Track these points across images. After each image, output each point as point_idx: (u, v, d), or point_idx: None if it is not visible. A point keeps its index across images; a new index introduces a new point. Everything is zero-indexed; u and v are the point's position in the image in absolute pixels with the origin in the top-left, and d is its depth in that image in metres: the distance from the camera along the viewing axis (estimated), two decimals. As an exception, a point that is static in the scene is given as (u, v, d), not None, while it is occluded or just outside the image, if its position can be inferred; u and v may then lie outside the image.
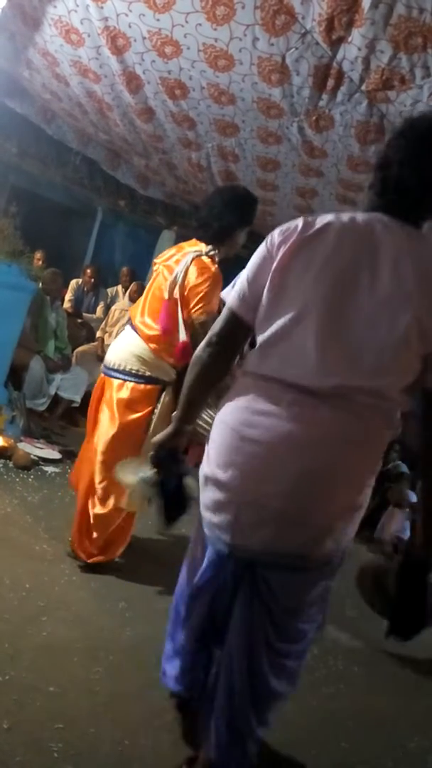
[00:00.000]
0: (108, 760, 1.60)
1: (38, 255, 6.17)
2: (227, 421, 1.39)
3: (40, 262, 6.07)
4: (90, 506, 2.64)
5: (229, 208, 2.57)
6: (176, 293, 2.55)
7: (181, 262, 2.56)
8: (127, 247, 7.97)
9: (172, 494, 1.52)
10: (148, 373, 2.60)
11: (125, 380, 2.62)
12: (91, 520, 2.63)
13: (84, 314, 6.42)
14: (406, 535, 4.91)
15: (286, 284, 1.34)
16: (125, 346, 2.66)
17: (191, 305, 2.53)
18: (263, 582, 1.39)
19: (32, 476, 3.59)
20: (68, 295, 6.40)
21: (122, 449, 2.50)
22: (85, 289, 6.57)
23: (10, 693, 1.72)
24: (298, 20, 2.18)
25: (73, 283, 6.53)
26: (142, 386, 2.60)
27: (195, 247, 2.62)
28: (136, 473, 1.62)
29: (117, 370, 2.64)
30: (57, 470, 3.83)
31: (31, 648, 1.95)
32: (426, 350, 1.27)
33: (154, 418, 2.61)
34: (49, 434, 4.53)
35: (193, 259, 2.54)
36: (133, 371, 2.60)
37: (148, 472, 1.57)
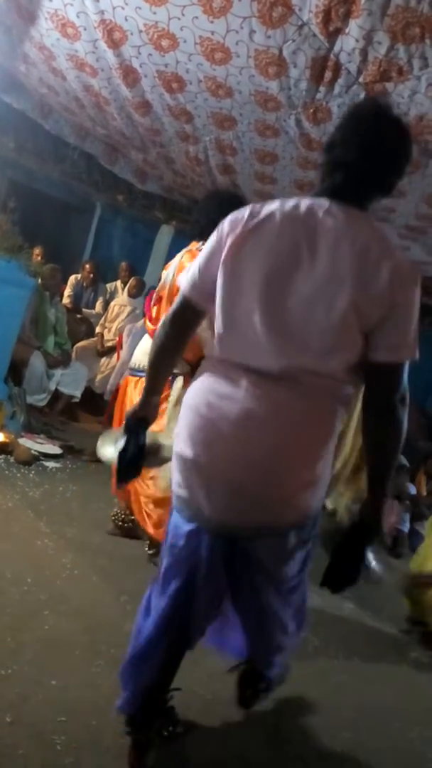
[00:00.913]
0: (110, 753, 1.61)
1: (37, 251, 6.16)
2: (190, 402, 1.47)
3: (39, 258, 6.07)
4: (140, 491, 2.81)
5: (213, 205, 2.74)
6: (168, 288, 2.72)
7: (174, 259, 2.78)
8: (126, 242, 7.95)
9: (131, 457, 1.60)
10: None
11: (141, 376, 2.87)
12: (145, 504, 2.81)
13: (83, 310, 6.42)
14: (405, 527, 4.92)
15: (235, 272, 1.40)
16: (142, 347, 2.98)
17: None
18: (244, 553, 1.47)
19: (33, 471, 3.60)
20: (67, 291, 6.39)
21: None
22: (84, 284, 6.56)
23: (12, 686, 1.73)
24: (295, 12, 2.16)
25: (72, 278, 6.52)
26: None
27: (190, 247, 2.81)
28: (114, 444, 1.69)
29: (136, 369, 2.96)
30: (58, 465, 3.84)
31: (33, 642, 1.96)
32: (366, 328, 1.33)
33: (169, 403, 2.79)
34: (50, 429, 4.54)
35: (185, 253, 2.75)
36: (145, 368, 2.77)
37: (118, 443, 1.65)
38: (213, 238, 1.46)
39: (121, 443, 1.62)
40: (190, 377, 2.73)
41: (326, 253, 1.33)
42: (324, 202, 1.38)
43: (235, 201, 2.76)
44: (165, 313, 2.72)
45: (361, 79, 2.42)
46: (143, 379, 2.76)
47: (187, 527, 1.47)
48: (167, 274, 2.78)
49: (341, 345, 1.33)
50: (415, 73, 2.26)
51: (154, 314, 2.87)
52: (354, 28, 2.13)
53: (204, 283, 1.47)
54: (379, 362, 1.35)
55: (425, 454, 5.99)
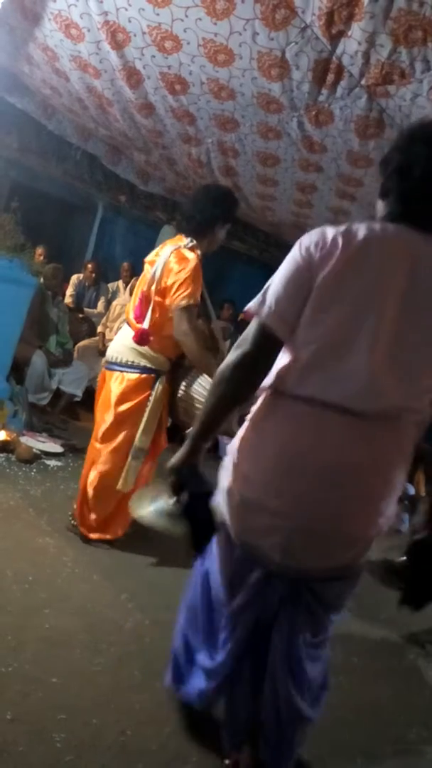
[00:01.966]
0: (110, 751, 1.62)
1: (39, 250, 6.16)
2: (271, 448, 1.36)
3: (42, 258, 6.07)
4: (89, 485, 2.83)
5: (212, 202, 2.75)
6: (155, 286, 2.70)
7: (161, 256, 2.73)
8: (128, 242, 7.96)
9: (201, 518, 1.42)
10: (142, 364, 2.78)
11: (122, 371, 2.81)
12: (90, 498, 2.82)
13: (85, 309, 6.43)
14: (404, 528, 4.92)
15: (332, 302, 1.29)
16: (121, 340, 2.85)
17: (172, 292, 2.65)
18: (308, 592, 1.43)
19: (35, 470, 3.61)
20: (69, 290, 6.41)
21: (119, 434, 2.80)
22: (86, 284, 6.57)
23: (13, 684, 1.74)
24: (298, 14, 2.18)
25: (74, 278, 6.54)
26: (136, 376, 2.79)
27: (177, 242, 2.78)
28: (154, 505, 1.55)
29: (115, 363, 2.85)
30: (59, 464, 3.85)
31: (33, 640, 1.97)
32: None
33: (149, 405, 2.79)
34: (51, 428, 4.55)
35: (172, 252, 2.71)
36: (128, 362, 2.80)
37: (167, 502, 1.49)
38: (295, 262, 1.32)
39: (170, 504, 1.45)
40: (170, 375, 2.82)
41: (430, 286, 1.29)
42: (413, 232, 1.31)
43: (230, 197, 2.82)
44: (154, 314, 2.77)
45: (363, 82, 2.43)
46: (122, 373, 2.80)
47: (258, 574, 1.43)
48: (153, 271, 2.72)
49: None
50: (417, 76, 2.27)
51: (148, 315, 2.76)
52: (356, 30, 2.14)
53: (291, 314, 1.31)
54: None
55: (423, 454, 5.99)
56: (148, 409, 2.77)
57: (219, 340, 2.92)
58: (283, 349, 1.35)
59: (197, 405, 2.70)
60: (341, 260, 1.28)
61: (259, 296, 1.34)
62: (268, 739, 1.52)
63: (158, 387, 2.79)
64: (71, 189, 6.63)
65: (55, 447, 4.04)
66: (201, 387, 2.75)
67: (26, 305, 4.27)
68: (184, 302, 2.62)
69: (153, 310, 2.73)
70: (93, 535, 2.84)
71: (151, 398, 2.78)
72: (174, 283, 2.65)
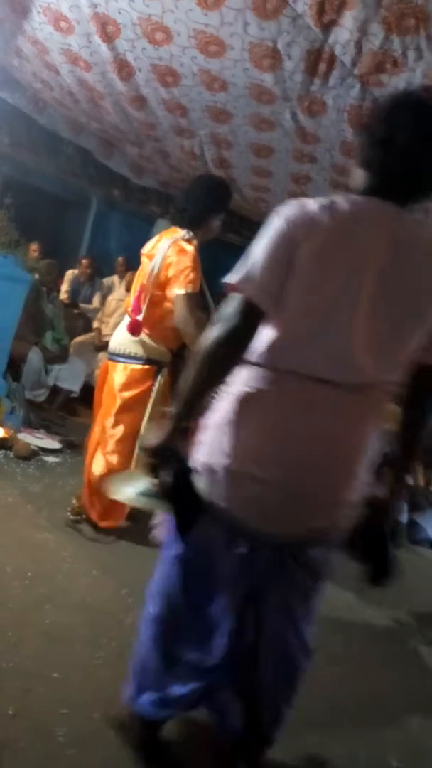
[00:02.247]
0: (112, 745, 1.62)
1: (33, 246, 6.14)
2: (257, 420, 1.36)
3: (36, 254, 6.05)
4: (96, 474, 2.87)
5: (205, 193, 2.77)
6: (153, 280, 2.73)
7: (158, 249, 2.76)
8: (123, 236, 7.94)
9: (186, 498, 1.38)
10: (144, 355, 2.84)
11: (125, 363, 2.86)
12: (95, 485, 2.86)
13: (81, 305, 6.42)
14: (404, 518, 4.93)
15: (317, 278, 1.29)
16: (123, 332, 2.89)
17: (172, 282, 2.68)
18: (292, 559, 1.44)
19: (33, 466, 3.61)
20: (64, 286, 6.39)
21: (125, 421, 2.85)
22: (82, 279, 6.55)
23: (14, 680, 1.74)
24: (290, 4, 2.16)
25: (69, 273, 6.51)
26: (139, 367, 2.84)
27: (173, 234, 2.80)
28: (133, 487, 1.54)
29: (117, 354, 2.90)
30: (57, 460, 3.85)
31: (34, 635, 1.97)
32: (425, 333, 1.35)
33: (153, 395, 2.83)
34: (49, 425, 4.54)
35: (170, 245, 2.73)
36: (131, 354, 2.85)
37: (145, 483, 1.47)
38: (278, 235, 1.30)
39: (148, 485, 1.42)
40: (172, 367, 2.84)
41: (413, 262, 1.31)
42: (392, 206, 1.32)
43: (222, 187, 2.84)
44: (152, 308, 2.80)
45: (356, 71, 2.42)
46: (125, 363, 2.84)
47: (245, 546, 1.42)
48: (152, 265, 2.74)
49: (412, 353, 1.37)
50: (410, 65, 2.26)
51: (145, 307, 2.80)
52: (348, 19, 2.13)
53: (275, 287, 1.29)
54: (428, 365, 1.40)
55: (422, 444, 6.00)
56: (152, 400, 2.81)
57: None
58: (266, 323, 1.33)
59: None
60: (325, 236, 1.28)
61: (240, 269, 1.32)
62: (271, 701, 1.54)
63: (160, 378, 2.83)
64: (64, 184, 6.61)
65: (52, 443, 4.03)
66: None
67: (21, 302, 4.26)
68: (183, 290, 2.65)
69: (150, 303, 2.77)
70: (103, 523, 2.89)
71: (155, 389, 2.82)
72: (174, 272, 2.68)
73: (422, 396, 1.47)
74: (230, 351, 1.32)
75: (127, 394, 2.84)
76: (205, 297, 2.94)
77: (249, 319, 1.30)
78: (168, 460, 1.37)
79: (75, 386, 5.05)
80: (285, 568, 1.45)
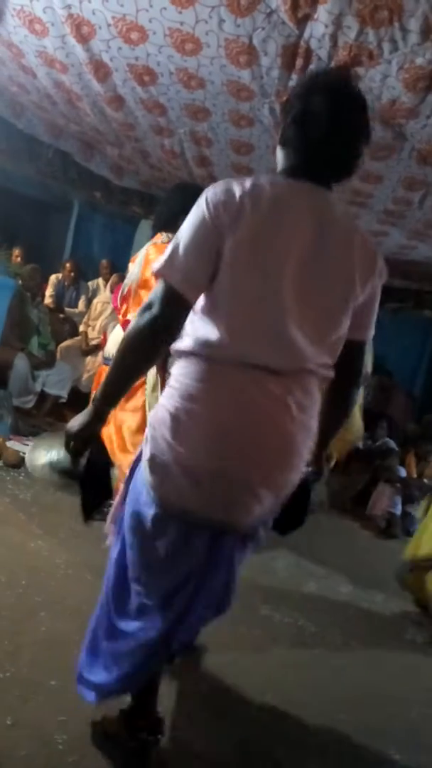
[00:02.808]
0: (112, 750, 1.61)
1: (16, 251, 6.11)
2: (203, 413, 1.35)
3: (19, 259, 6.02)
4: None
5: (179, 196, 2.80)
6: (137, 281, 2.77)
7: (140, 252, 2.85)
8: (106, 238, 7.91)
9: (97, 483, 1.43)
10: None
11: None
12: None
13: (66, 309, 6.38)
14: (398, 510, 4.96)
15: (247, 266, 1.29)
16: (114, 336, 2.98)
17: (152, 280, 2.68)
18: (251, 540, 1.49)
19: (23, 474, 3.57)
20: (49, 291, 6.35)
21: (127, 421, 2.76)
22: (66, 283, 6.52)
23: (11, 689, 1.73)
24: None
25: (53, 278, 6.48)
26: None
27: (156, 240, 2.87)
28: (46, 454, 1.57)
29: (109, 359, 2.91)
30: (47, 466, 3.82)
31: (30, 643, 1.96)
32: (352, 311, 1.40)
33: (147, 390, 2.81)
34: (38, 431, 4.51)
35: (151, 245, 2.81)
36: None
37: (59, 453, 1.49)
38: (200, 224, 1.29)
39: (61, 456, 1.46)
40: (162, 364, 2.75)
41: (338, 244, 1.34)
42: (315, 186, 1.35)
43: (197, 192, 2.86)
44: (134, 308, 2.82)
45: (332, 65, 2.41)
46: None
47: (182, 529, 1.41)
48: (134, 267, 2.82)
49: (343, 335, 1.41)
50: (386, 57, 2.26)
51: (123, 309, 2.89)
52: (323, 13, 2.12)
53: (200, 275, 1.30)
54: (356, 341, 1.45)
55: (413, 436, 6.04)
56: (147, 395, 2.80)
57: None
58: (201, 314, 1.34)
59: None
60: (251, 224, 1.28)
61: (166, 256, 1.31)
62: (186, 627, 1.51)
63: (150, 373, 2.81)
64: (45, 188, 6.57)
65: (42, 449, 4.01)
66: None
67: (5, 308, 4.23)
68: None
69: (136, 304, 2.79)
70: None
71: (147, 384, 2.82)
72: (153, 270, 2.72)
73: (346, 373, 1.49)
74: (151, 339, 1.32)
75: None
76: None
77: (172, 308, 1.30)
78: (85, 445, 1.39)
79: (63, 391, 5.02)
80: (243, 550, 1.48)
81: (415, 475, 5.50)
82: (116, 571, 1.55)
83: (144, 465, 1.43)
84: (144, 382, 2.84)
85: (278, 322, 1.30)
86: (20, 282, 4.84)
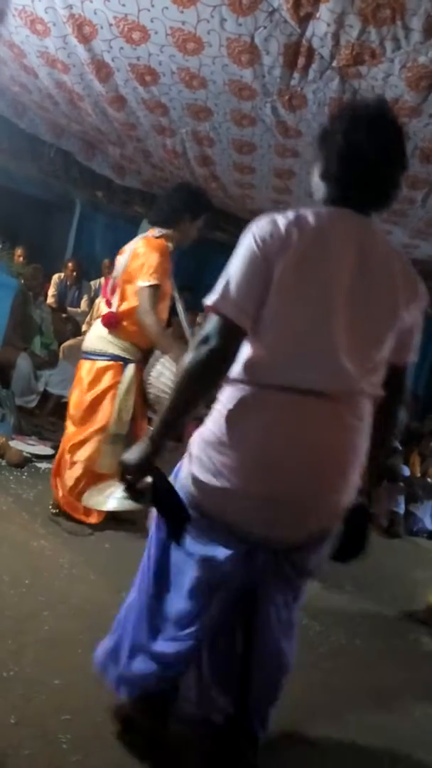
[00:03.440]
0: (116, 749, 1.61)
1: (18, 251, 6.11)
2: (251, 438, 1.37)
3: (21, 259, 6.02)
4: (70, 473, 2.95)
5: (178, 194, 2.90)
6: (122, 273, 2.82)
7: (130, 244, 2.88)
8: (108, 238, 7.90)
9: (172, 507, 1.43)
10: (110, 351, 2.91)
11: (93, 359, 2.95)
12: (69, 483, 2.94)
13: (68, 308, 6.39)
14: (401, 509, 4.96)
15: (295, 294, 1.33)
16: (94, 330, 3.01)
17: (139, 274, 2.76)
18: (287, 561, 1.47)
19: (26, 473, 3.59)
20: (51, 290, 6.35)
21: (92, 419, 2.91)
22: (68, 283, 6.52)
23: (15, 688, 1.73)
24: (265, -2, 2.15)
25: (55, 277, 6.48)
26: (105, 363, 2.91)
27: (148, 234, 2.92)
28: (108, 494, 1.59)
29: (88, 352, 2.99)
30: (50, 466, 3.81)
31: (34, 643, 1.96)
32: (397, 334, 1.42)
33: (119, 391, 2.89)
34: (41, 431, 4.52)
35: (140, 239, 2.85)
36: (99, 351, 2.94)
37: (119, 489, 1.48)
38: (250, 254, 1.33)
39: (117, 491, 1.46)
40: (142, 366, 2.89)
41: (381, 269, 1.37)
42: (357, 216, 1.39)
43: (201, 198, 2.94)
44: (118, 302, 2.82)
45: (334, 64, 2.42)
46: (95, 361, 2.91)
47: (237, 551, 1.43)
48: (121, 259, 2.85)
49: (386, 355, 1.42)
50: (388, 56, 2.26)
51: (116, 302, 2.90)
52: (324, 12, 2.12)
53: (252, 306, 1.32)
54: (401, 364, 1.49)
55: (417, 435, 6.03)
56: (118, 397, 2.87)
57: (187, 337, 2.98)
58: (249, 341, 1.37)
59: (156, 393, 2.83)
60: (298, 253, 1.32)
61: (218, 290, 1.34)
62: (257, 696, 1.54)
63: (127, 374, 2.88)
64: (47, 187, 6.57)
65: (45, 449, 4.01)
66: (156, 372, 2.83)
67: (8, 308, 4.24)
68: (146, 282, 2.73)
69: (120, 296, 2.85)
70: (77, 515, 2.94)
71: (121, 385, 2.87)
72: (140, 265, 2.76)
73: (391, 396, 1.50)
74: (211, 371, 1.35)
75: (93, 393, 2.90)
76: (175, 300, 3.04)
77: (228, 339, 1.33)
78: (143, 476, 1.40)
79: (65, 391, 5.00)
80: (280, 573, 1.47)
81: (418, 474, 5.50)
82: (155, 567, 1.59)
83: (186, 476, 1.47)
84: (116, 385, 2.88)
85: (326, 346, 1.33)
86: (23, 282, 4.85)
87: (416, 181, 3.33)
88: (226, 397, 1.41)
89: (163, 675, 1.53)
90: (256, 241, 1.33)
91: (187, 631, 1.49)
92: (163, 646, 1.52)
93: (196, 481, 1.44)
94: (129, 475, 1.42)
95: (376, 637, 2.77)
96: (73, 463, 2.93)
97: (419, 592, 3.48)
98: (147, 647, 1.54)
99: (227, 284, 1.34)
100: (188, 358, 1.34)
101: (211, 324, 1.34)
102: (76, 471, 2.92)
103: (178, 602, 1.52)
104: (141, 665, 1.55)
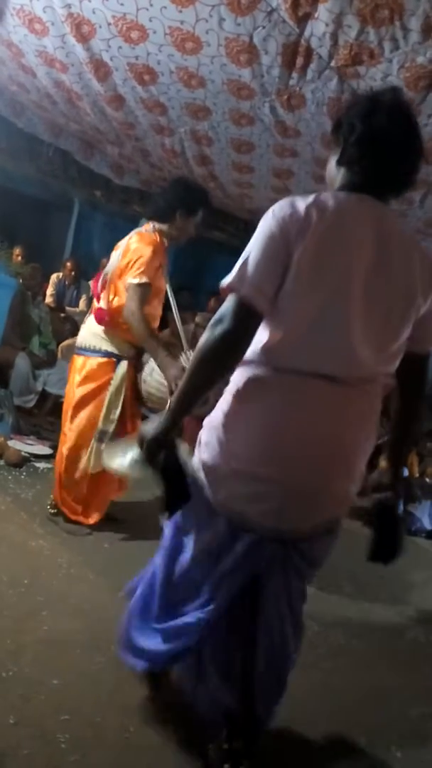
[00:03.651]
0: (115, 748, 1.62)
1: (17, 251, 6.10)
2: (261, 420, 1.38)
3: (19, 258, 6.02)
4: (62, 469, 2.94)
5: (174, 188, 2.88)
6: (115, 268, 2.80)
7: (123, 239, 2.88)
8: (106, 237, 7.88)
9: (177, 482, 1.43)
10: (103, 348, 2.89)
11: (85, 355, 2.92)
12: (63, 479, 2.93)
13: (67, 308, 6.38)
14: (399, 509, 4.95)
15: (313, 277, 1.31)
16: (87, 326, 2.98)
17: (129, 269, 2.74)
18: (295, 550, 1.47)
19: (24, 473, 3.58)
20: (50, 290, 6.35)
21: (82, 416, 2.90)
22: (67, 282, 6.51)
23: (14, 688, 1.73)
24: (264, -2, 2.15)
25: (53, 277, 6.47)
26: (98, 359, 2.89)
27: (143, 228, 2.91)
28: (124, 455, 1.59)
29: (80, 348, 2.97)
30: (49, 466, 3.82)
31: (32, 643, 1.96)
32: (415, 323, 1.41)
33: (110, 388, 2.87)
34: (39, 430, 4.52)
35: (134, 233, 2.85)
36: (91, 347, 2.92)
37: (137, 452, 1.49)
38: (268, 236, 1.32)
39: (136, 452, 1.46)
40: (134, 362, 2.88)
41: (399, 255, 1.36)
42: (376, 202, 1.38)
43: (196, 193, 2.92)
44: (109, 297, 2.80)
45: (333, 64, 2.42)
46: (88, 357, 2.90)
47: (247, 540, 1.44)
48: (115, 254, 2.84)
49: (403, 347, 1.42)
50: (387, 56, 2.26)
51: (108, 298, 2.87)
52: (323, 12, 2.12)
53: (270, 288, 1.31)
54: (420, 353, 1.47)
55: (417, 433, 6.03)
56: (109, 393, 2.84)
57: (182, 338, 2.96)
58: (264, 323, 1.35)
59: (148, 389, 2.82)
60: (317, 235, 1.30)
61: (236, 271, 1.32)
62: (261, 687, 1.55)
63: (119, 370, 2.86)
64: (46, 187, 6.56)
65: (43, 449, 4.01)
66: (149, 368, 2.82)
67: (6, 307, 4.24)
68: (135, 280, 2.70)
69: (113, 292, 2.83)
70: (74, 517, 2.93)
71: (113, 381, 2.86)
72: (129, 261, 2.74)
73: (412, 385, 1.51)
74: (224, 353, 1.33)
75: (84, 389, 2.89)
76: (169, 300, 3.02)
77: (245, 320, 1.31)
78: (159, 449, 1.41)
79: (63, 390, 5.02)
80: (288, 563, 1.47)
81: (416, 474, 5.50)
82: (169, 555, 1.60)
83: (197, 466, 1.48)
84: (108, 382, 2.86)
85: (340, 331, 1.32)
86: (21, 281, 4.85)
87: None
88: (237, 377, 1.42)
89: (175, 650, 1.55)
90: (275, 223, 1.32)
91: (199, 612, 1.51)
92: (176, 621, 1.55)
93: (205, 466, 1.45)
94: (145, 447, 1.41)
95: (374, 636, 2.77)
96: (70, 465, 2.92)
97: (417, 592, 3.48)
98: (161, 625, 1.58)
99: (245, 265, 1.31)
100: (202, 339, 1.33)
101: (226, 305, 1.32)
102: (74, 474, 2.91)
103: (189, 587, 1.55)
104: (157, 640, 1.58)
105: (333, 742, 1.92)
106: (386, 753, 1.95)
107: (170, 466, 1.41)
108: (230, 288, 1.32)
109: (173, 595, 1.58)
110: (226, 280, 1.32)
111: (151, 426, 1.41)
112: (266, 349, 1.36)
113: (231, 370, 1.41)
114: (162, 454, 1.40)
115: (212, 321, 1.33)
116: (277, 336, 1.34)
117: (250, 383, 1.39)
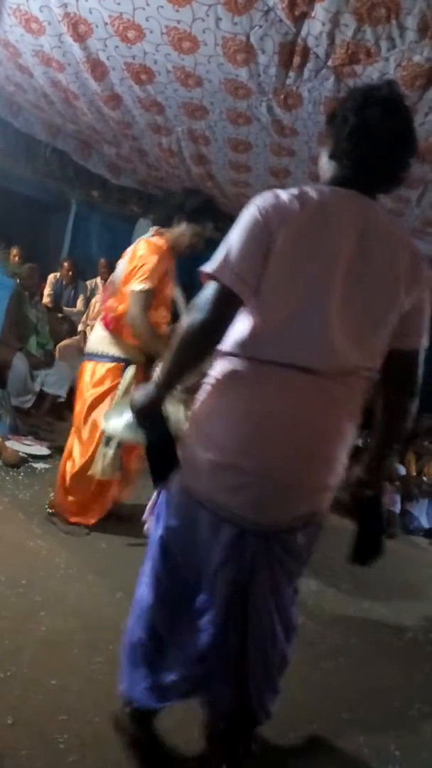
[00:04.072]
0: (114, 748, 1.61)
1: (14, 251, 6.11)
2: (239, 410, 1.38)
3: (17, 258, 6.02)
4: (68, 469, 2.95)
5: (178, 196, 2.92)
6: (122, 275, 2.83)
7: (131, 247, 2.90)
8: (104, 237, 7.91)
9: (164, 453, 1.44)
10: (112, 353, 2.91)
11: (95, 361, 2.95)
12: (67, 483, 2.93)
13: (64, 308, 6.38)
14: (397, 508, 4.97)
15: (292, 269, 1.31)
16: (95, 332, 3.02)
17: (133, 276, 2.76)
18: (278, 544, 1.45)
19: (22, 474, 3.58)
20: (47, 290, 6.35)
21: (90, 421, 2.91)
22: (64, 282, 6.52)
23: (12, 689, 1.73)
24: (260, -3, 2.15)
25: (51, 277, 6.47)
26: (106, 364, 2.92)
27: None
28: (121, 418, 1.61)
29: (90, 354, 2.99)
30: (47, 466, 3.82)
31: (31, 643, 1.96)
32: (398, 320, 1.39)
33: (118, 392, 2.89)
34: (37, 431, 4.51)
35: (141, 240, 2.86)
36: (101, 352, 2.94)
37: (132, 417, 1.50)
38: (254, 224, 1.31)
39: (129, 417, 1.47)
40: (143, 367, 2.88)
41: (382, 250, 1.35)
42: (362, 197, 1.37)
43: (203, 201, 2.94)
44: (115, 304, 2.81)
45: (329, 63, 2.41)
46: (97, 363, 2.92)
47: (230, 533, 1.42)
48: (122, 262, 2.87)
49: (387, 340, 1.40)
50: (383, 55, 2.26)
51: (115, 304, 2.89)
52: (320, 11, 2.12)
53: (251, 276, 1.30)
54: (406, 350, 1.43)
55: (412, 434, 6.04)
56: (117, 398, 2.85)
57: None
58: (243, 313, 1.35)
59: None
60: (299, 225, 1.30)
61: (217, 257, 1.32)
62: (256, 686, 1.52)
63: (127, 375, 2.87)
64: (43, 187, 6.57)
65: (41, 449, 4.01)
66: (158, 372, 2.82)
67: (3, 308, 4.23)
68: (139, 286, 2.72)
69: (120, 299, 2.84)
70: (72, 519, 2.94)
71: (120, 385, 2.87)
72: (134, 267, 2.76)
73: (396, 382, 1.48)
74: (203, 340, 1.34)
75: (93, 394, 2.90)
76: (177, 303, 3.02)
77: (224, 308, 1.31)
78: (147, 419, 1.43)
79: (61, 391, 5.02)
80: (271, 555, 1.45)
81: (414, 474, 5.51)
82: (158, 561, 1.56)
83: (181, 458, 1.47)
84: (116, 386, 2.87)
85: (318, 323, 1.31)
86: (18, 281, 4.84)
87: (412, 180, 3.33)
88: (217, 369, 1.42)
89: (194, 673, 1.50)
90: (258, 212, 1.32)
91: (205, 619, 1.48)
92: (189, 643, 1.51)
93: (187, 458, 1.44)
94: (134, 413, 1.43)
95: (372, 635, 2.78)
96: (81, 469, 2.91)
97: (416, 590, 3.49)
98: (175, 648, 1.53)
99: (228, 253, 1.31)
100: (183, 322, 1.34)
101: (207, 291, 1.31)
102: (83, 477, 2.91)
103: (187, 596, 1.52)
104: (168, 672, 1.52)
105: (332, 741, 1.92)
106: (385, 751, 1.95)
107: (156, 436, 1.43)
108: (212, 275, 1.31)
109: (165, 619, 1.53)
110: (208, 266, 1.32)
111: (140, 394, 1.44)
112: (245, 340, 1.35)
113: (208, 356, 1.42)
114: (148, 424, 1.42)
115: (192, 306, 1.33)
116: (255, 327, 1.34)
117: (228, 376, 1.39)
